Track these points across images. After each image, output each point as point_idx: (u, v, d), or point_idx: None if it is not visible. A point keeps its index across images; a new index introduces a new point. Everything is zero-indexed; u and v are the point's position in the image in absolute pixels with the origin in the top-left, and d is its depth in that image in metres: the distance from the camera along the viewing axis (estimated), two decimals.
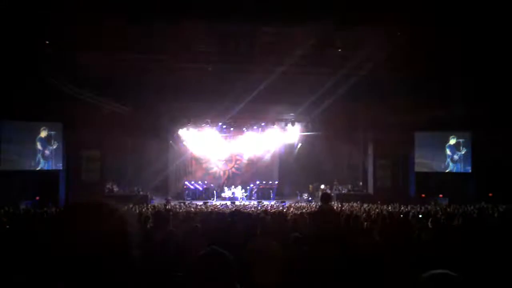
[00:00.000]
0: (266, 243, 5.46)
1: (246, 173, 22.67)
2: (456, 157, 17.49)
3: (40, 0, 10.62)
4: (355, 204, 15.86)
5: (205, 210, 12.55)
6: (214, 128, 21.79)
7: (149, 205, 16.31)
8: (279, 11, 11.27)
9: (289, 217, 7.53)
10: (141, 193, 18.90)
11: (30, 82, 13.92)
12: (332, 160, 21.35)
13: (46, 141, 15.64)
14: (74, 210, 1.15)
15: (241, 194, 20.95)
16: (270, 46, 14.35)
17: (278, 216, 6.47)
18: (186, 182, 21.26)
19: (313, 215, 6.47)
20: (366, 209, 12.95)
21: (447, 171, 17.71)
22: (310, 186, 21.20)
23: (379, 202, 16.37)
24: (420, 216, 9.05)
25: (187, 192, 20.92)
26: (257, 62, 15.13)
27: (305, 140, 22.23)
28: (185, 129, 21.67)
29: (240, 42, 14.04)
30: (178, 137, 22.00)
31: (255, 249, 5.46)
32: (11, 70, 13.11)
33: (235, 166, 22.84)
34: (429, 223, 6.52)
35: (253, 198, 20.99)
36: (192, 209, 13.29)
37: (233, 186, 21.37)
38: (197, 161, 22.63)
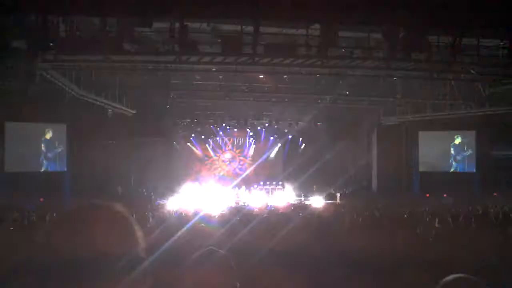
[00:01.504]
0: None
1: (250, 174, 22.67)
2: (458, 157, 17.42)
3: (43, 2, 10.65)
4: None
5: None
6: (218, 128, 21.84)
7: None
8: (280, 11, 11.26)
9: None
10: (145, 194, 18.91)
11: (35, 84, 13.97)
12: (336, 160, 21.32)
13: (51, 143, 15.69)
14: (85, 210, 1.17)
15: (246, 195, 20.89)
16: (273, 46, 14.31)
17: None
18: (190, 183, 21.24)
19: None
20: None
21: (451, 170, 17.65)
22: (314, 186, 21.15)
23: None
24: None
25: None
26: (261, 62, 15.11)
27: (309, 140, 22.25)
28: (188, 129, 21.77)
29: (243, 42, 14.01)
30: (182, 138, 22.07)
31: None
32: (16, 72, 13.17)
33: (239, 166, 22.83)
34: (436, 223, 6.47)
35: (257, 199, 20.93)
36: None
37: (237, 187, 21.34)
38: (201, 162, 22.64)
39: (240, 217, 6.71)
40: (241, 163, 22.88)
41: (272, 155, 22.97)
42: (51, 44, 11.55)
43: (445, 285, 1.79)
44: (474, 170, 17.34)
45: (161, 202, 18.34)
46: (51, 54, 11.78)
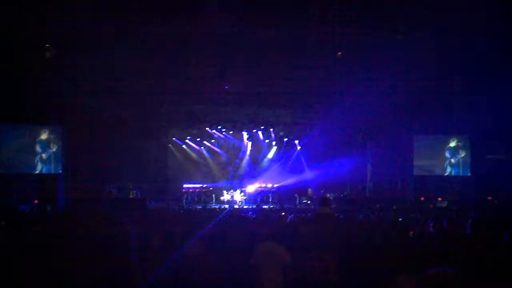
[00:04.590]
0: (273, 246, 5.43)
1: (245, 177, 22.66)
2: (453, 160, 17.46)
3: (41, 2, 10.64)
4: None
5: None
6: (213, 130, 21.85)
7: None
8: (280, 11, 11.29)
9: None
10: (139, 196, 18.84)
11: (30, 85, 13.93)
12: (331, 163, 21.34)
13: (46, 144, 15.59)
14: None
15: (240, 197, 20.89)
16: (270, 48, 14.33)
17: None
18: (185, 185, 21.22)
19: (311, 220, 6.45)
20: None
21: (445, 174, 17.68)
22: (309, 189, 21.18)
23: (377, 205, 16.34)
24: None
25: (186, 195, 20.87)
26: (257, 64, 15.12)
27: (304, 143, 22.30)
28: (184, 131, 21.77)
29: (240, 44, 14.01)
30: (177, 139, 22.06)
31: (263, 252, 5.42)
32: (12, 73, 13.12)
33: (234, 169, 22.82)
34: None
35: (252, 201, 20.95)
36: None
37: (232, 190, 21.32)
38: (196, 164, 22.62)
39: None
40: (236, 166, 22.87)
41: (267, 157, 22.98)
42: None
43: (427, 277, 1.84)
44: (469, 174, 17.38)
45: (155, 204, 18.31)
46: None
